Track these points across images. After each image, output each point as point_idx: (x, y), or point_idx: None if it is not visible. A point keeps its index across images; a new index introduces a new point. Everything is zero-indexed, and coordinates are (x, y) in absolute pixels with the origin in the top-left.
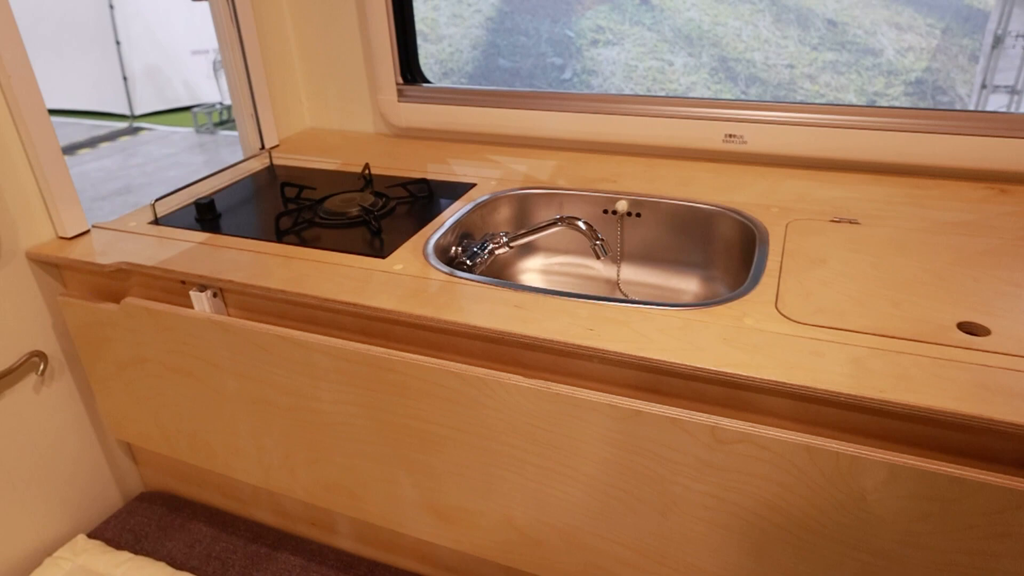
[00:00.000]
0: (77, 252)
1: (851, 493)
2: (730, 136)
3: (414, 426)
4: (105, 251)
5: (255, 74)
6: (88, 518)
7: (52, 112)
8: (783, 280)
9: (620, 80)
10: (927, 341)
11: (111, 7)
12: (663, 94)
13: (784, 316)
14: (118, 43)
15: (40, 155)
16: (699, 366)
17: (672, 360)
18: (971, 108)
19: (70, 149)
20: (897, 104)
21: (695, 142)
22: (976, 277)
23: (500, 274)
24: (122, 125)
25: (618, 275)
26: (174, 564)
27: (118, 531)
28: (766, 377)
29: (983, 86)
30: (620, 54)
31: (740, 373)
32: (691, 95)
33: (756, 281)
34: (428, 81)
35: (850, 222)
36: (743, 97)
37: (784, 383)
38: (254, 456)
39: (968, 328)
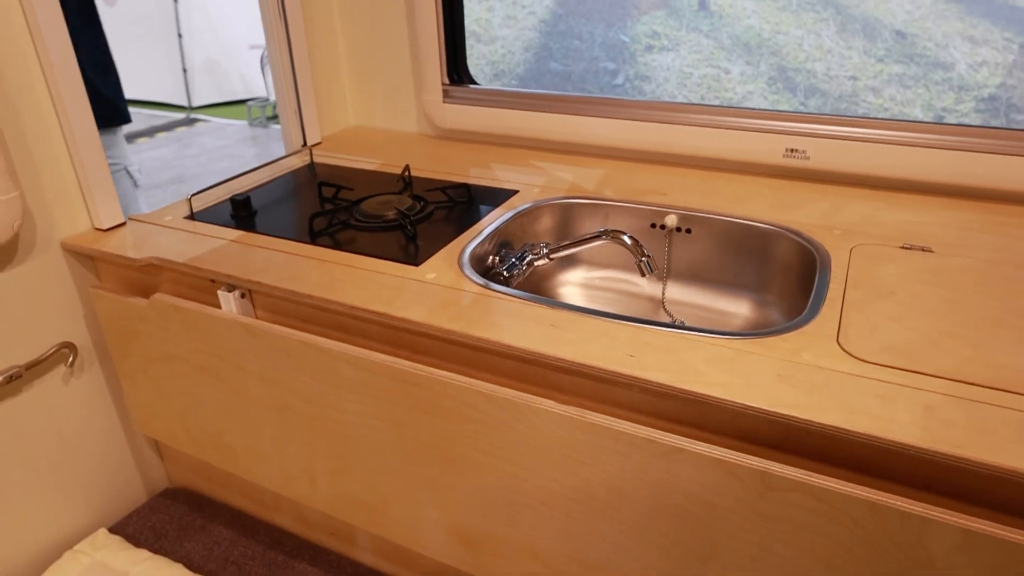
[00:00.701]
0: (111, 245)
1: (918, 559)
2: (791, 151)
3: (439, 445)
4: (138, 245)
5: (300, 70)
6: (110, 512)
7: None
8: (846, 312)
9: (674, 87)
10: (1011, 391)
11: (175, 1)
12: (719, 103)
13: (847, 353)
14: (180, 36)
15: (79, 146)
16: (750, 404)
17: (720, 396)
18: None
19: (129, 137)
20: (967, 122)
21: (753, 156)
22: None
23: (538, 287)
24: (180, 116)
25: (663, 294)
26: (191, 566)
27: (139, 527)
28: (826, 422)
29: None
30: (675, 60)
31: (796, 416)
32: (747, 105)
33: (816, 311)
34: (475, 82)
35: (922, 249)
36: (802, 109)
37: (846, 430)
38: (275, 462)
39: None
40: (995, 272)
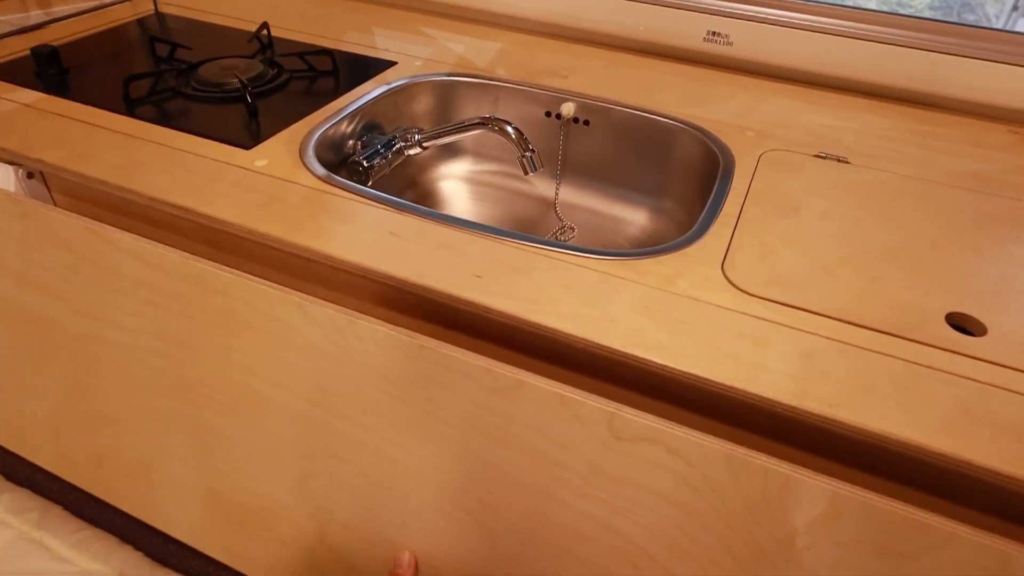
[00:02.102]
0: None
1: (776, 533)
2: (713, 34)
3: (231, 378)
4: None
5: None
6: None
7: None
8: (740, 230)
9: None
10: (905, 337)
11: None
12: None
13: (729, 282)
14: None
15: None
16: (603, 344)
17: (571, 332)
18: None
19: None
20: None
21: (670, 37)
22: (980, 250)
23: (414, 180)
24: None
25: (556, 194)
26: (8, 477)
27: None
28: (685, 369)
29: (1015, 7)
30: None
31: (654, 360)
32: None
33: (706, 228)
34: None
35: (838, 159)
36: None
37: (708, 379)
38: (14, 399)
39: (959, 322)
40: (912, 190)
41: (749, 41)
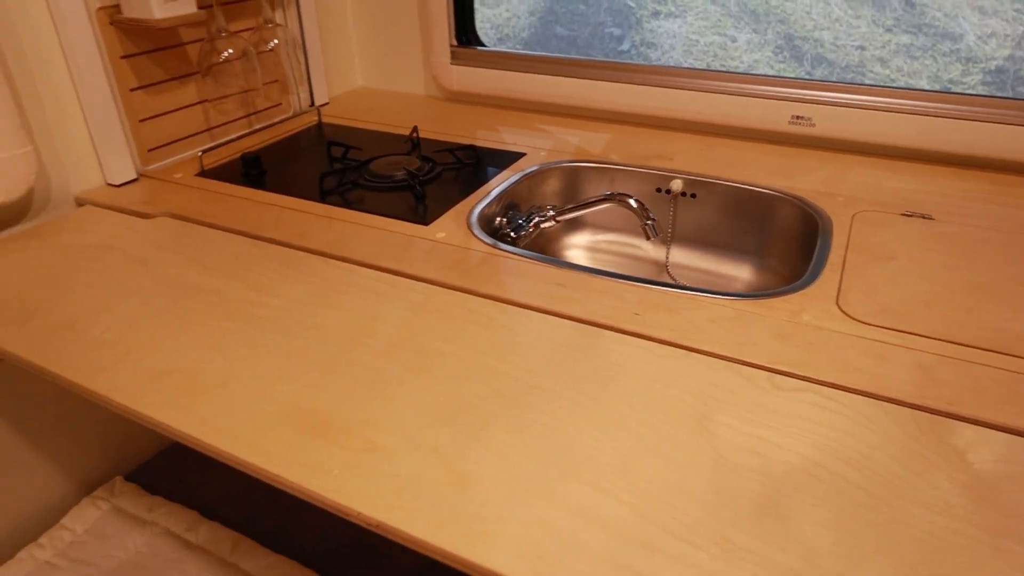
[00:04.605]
0: (124, 200)
1: (942, 451)
2: (797, 118)
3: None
4: (151, 200)
5: (309, 30)
6: (126, 461)
7: None
8: (846, 275)
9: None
10: (1005, 352)
11: None
12: (725, 70)
13: (845, 314)
14: None
15: (92, 104)
16: (750, 361)
17: (722, 353)
18: None
19: None
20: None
21: (759, 122)
22: None
23: (544, 249)
24: None
25: (667, 258)
26: (205, 512)
27: (153, 476)
28: (822, 379)
29: None
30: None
31: (794, 372)
32: (754, 72)
33: (816, 274)
34: (483, 44)
35: (923, 217)
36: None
37: (842, 386)
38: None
39: None
40: (993, 240)
41: (830, 122)
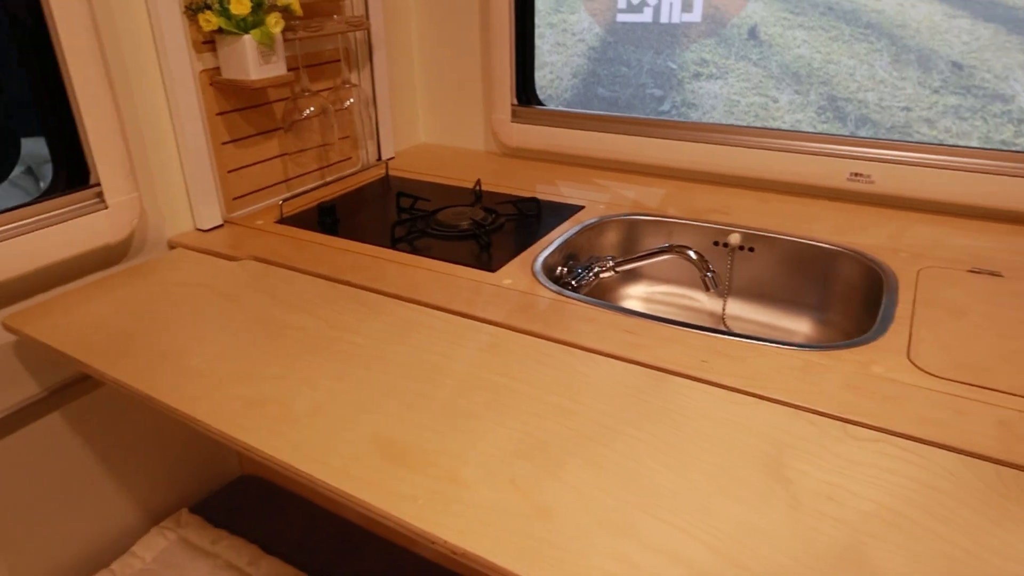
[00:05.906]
0: (212, 244)
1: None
2: (856, 175)
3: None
4: (236, 245)
5: (380, 89)
6: (191, 494)
7: None
8: (915, 330)
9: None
10: None
11: None
12: (778, 128)
13: (918, 367)
14: None
15: (190, 153)
16: (821, 411)
17: (795, 403)
18: None
19: None
20: None
21: (817, 179)
22: None
23: (602, 298)
24: None
25: (723, 309)
26: (265, 548)
27: (217, 509)
28: (897, 430)
29: None
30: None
31: (867, 422)
32: (804, 130)
33: (884, 329)
34: (542, 104)
35: (991, 274)
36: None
37: (919, 438)
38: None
39: None
40: None
41: (889, 179)
